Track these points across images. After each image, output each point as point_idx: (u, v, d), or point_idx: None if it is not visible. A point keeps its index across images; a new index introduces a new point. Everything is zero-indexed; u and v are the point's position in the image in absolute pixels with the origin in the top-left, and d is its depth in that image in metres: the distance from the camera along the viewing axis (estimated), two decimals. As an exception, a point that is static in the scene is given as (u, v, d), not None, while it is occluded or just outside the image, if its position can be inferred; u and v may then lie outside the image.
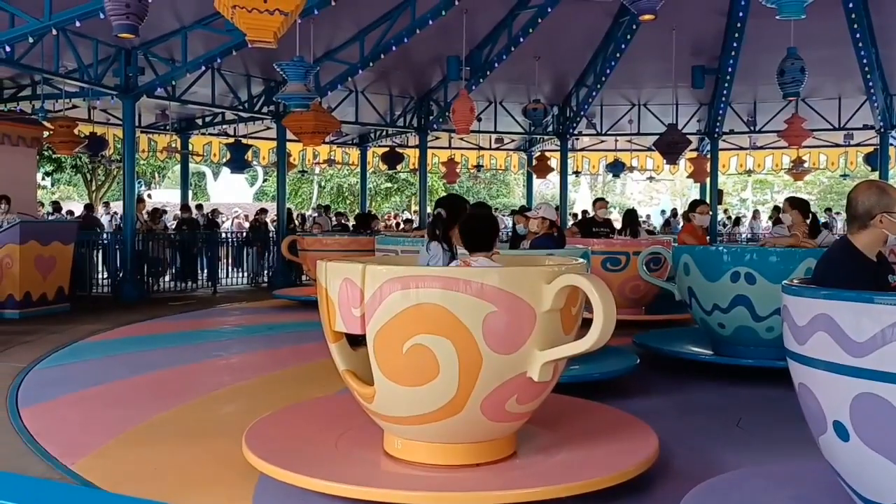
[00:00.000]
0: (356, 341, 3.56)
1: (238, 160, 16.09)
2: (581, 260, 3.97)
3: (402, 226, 20.15)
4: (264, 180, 33.27)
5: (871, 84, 14.43)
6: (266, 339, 8.03)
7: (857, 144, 17.49)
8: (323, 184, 34.75)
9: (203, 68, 12.49)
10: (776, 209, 19.15)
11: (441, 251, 4.14)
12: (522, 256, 4.91)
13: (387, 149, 18.65)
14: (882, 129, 15.62)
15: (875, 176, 16.79)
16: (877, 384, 2.20)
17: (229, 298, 11.90)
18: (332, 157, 19.79)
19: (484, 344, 3.19)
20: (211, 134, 17.27)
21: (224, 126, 16.34)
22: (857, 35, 13.13)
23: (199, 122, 16.34)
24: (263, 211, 17.82)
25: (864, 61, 13.75)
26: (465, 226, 3.92)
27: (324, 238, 11.77)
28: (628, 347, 6.48)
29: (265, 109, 14.33)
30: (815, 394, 2.45)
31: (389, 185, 33.00)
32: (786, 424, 4.22)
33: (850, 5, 12.65)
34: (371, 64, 13.14)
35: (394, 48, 12.64)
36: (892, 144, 16.25)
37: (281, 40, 9.50)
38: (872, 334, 2.20)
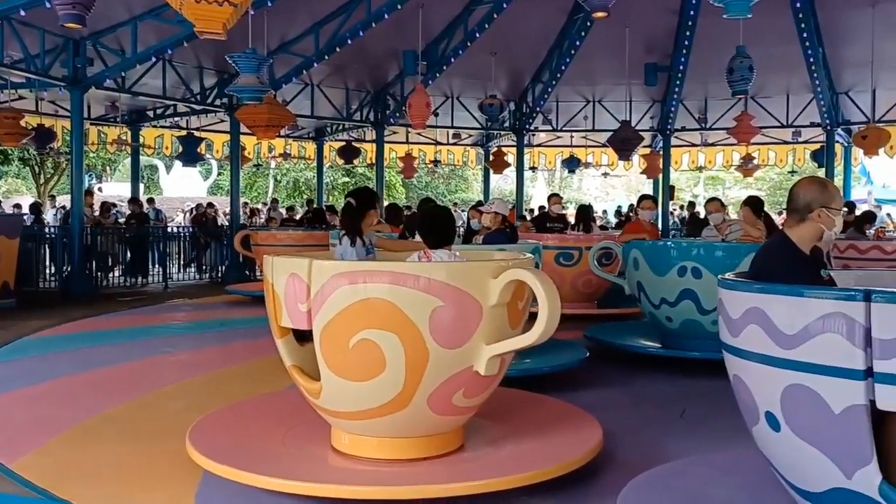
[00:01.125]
0: (303, 336, 3.55)
1: (190, 153, 15.84)
2: (529, 255, 4.00)
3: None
4: (219, 174, 32.77)
5: (817, 82, 14.80)
6: (217, 336, 7.93)
7: (805, 141, 17.93)
8: (279, 178, 34.40)
9: (154, 60, 12.26)
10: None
11: (354, 251, 4.13)
12: (474, 251, 4.93)
13: (343, 143, 18.54)
14: (828, 127, 16.04)
15: (822, 172, 17.25)
16: (806, 375, 2.27)
17: (181, 294, 11.72)
18: (288, 151, 19.59)
19: (431, 338, 3.21)
20: (163, 126, 16.97)
21: (176, 118, 16.04)
22: (804, 34, 13.45)
23: (151, 114, 16.03)
24: (210, 205, 17.53)
25: (811, 60, 14.09)
26: (424, 222, 3.94)
27: (277, 233, 11.66)
28: (579, 341, 6.56)
29: (218, 102, 14.12)
30: (748, 385, 2.52)
31: (347, 179, 32.80)
32: (729, 415, 4.27)
33: (798, 5, 12.95)
34: (326, 57, 13.04)
35: (349, 42, 12.56)
36: (838, 141, 16.71)
37: (233, 32, 9.38)
38: (802, 327, 2.26)
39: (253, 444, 3.58)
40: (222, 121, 15.77)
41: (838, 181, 17.31)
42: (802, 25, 13.30)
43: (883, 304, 2.12)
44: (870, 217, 10.87)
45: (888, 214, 20.23)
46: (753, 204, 6.90)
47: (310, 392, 3.50)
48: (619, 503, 2.90)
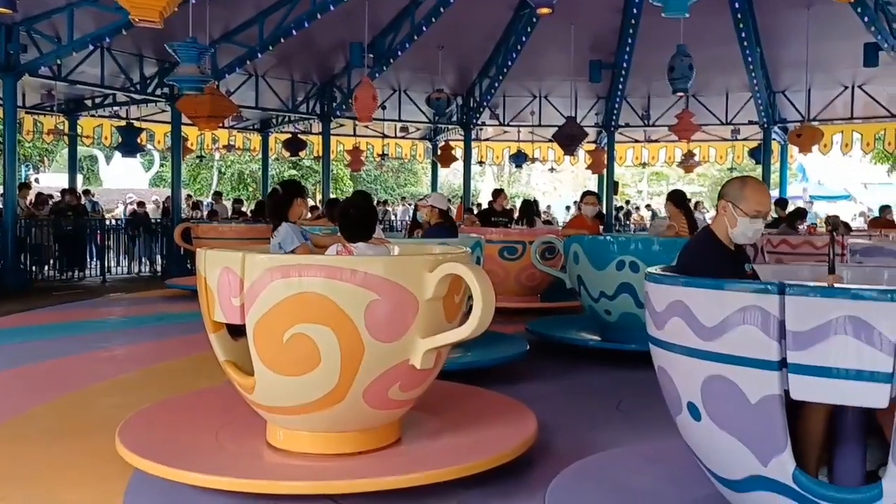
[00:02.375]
0: (238, 331, 3.51)
1: (130, 144, 15.44)
2: (465, 249, 4.03)
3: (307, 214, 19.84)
4: (161, 165, 32.05)
5: (755, 81, 15.21)
6: (155, 330, 7.78)
7: (744, 139, 18.38)
8: (223, 170, 33.81)
9: (91, 47, 11.92)
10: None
11: (291, 231, 4.11)
12: (412, 245, 4.94)
13: (289, 135, 18.32)
14: (765, 125, 16.50)
15: (759, 169, 17.74)
16: (724, 366, 2.34)
17: (119, 288, 11.45)
18: (233, 143, 19.27)
19: (366, 332, 3.20)
20: (102, 116, 16.50)
21: (116, 108, 15.63)
22: (743, 34, 13.81)
23: (89, 103, 15.58)
24: (141, 204, 17.13)
25: (749, 60, 14.48)
26: (342, 214, 3.92)
27: (219, 226, 11.47)
28: (521, 334, 6.64)
29: (159, 91, 13.80)
30: (671, 376, 2.59)
31: (294, 172, 32.42)
32: (663, 406, 4.40)
33: (736, 6, 13.29)
34: (271, 48, 12.87)
35: (294, 32, 12.41)
36: (774, 139, 17.18)
37: (174, 20, 9.18)
38: (720, 319, 2.33)
39: (185, 441, 3.52)
40: (163, 111, 15.41)
41: (775, 178, 17.85)
42: (741, 26, 13.65)
43: (796, 296, 2.21)
44: (801, 213, 11.22)
45: (815, 213, 20.94)
46: (674, 198, 7.08)
47: (243, 387, 3.47)
48: (548, 494, 2.95)
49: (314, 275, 3.20)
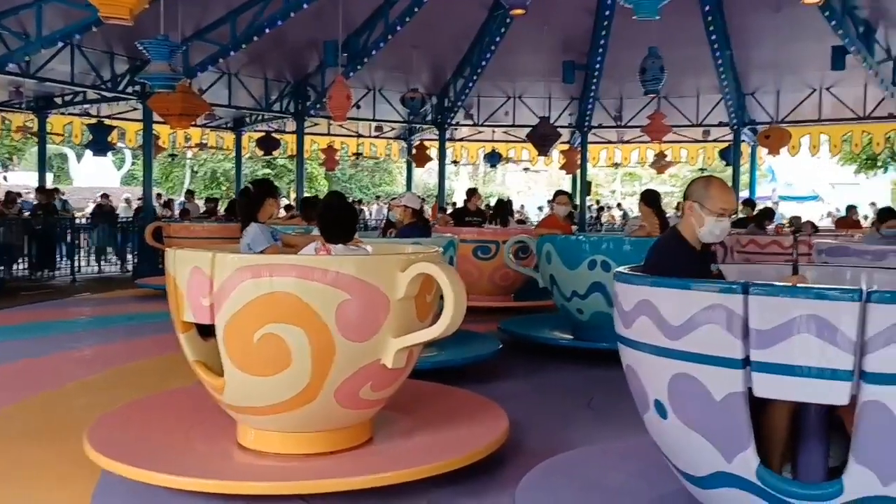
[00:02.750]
0: (208, 331, 3.49)
1: (100, 142, 15.25)
2: (437, 248, 4.04)
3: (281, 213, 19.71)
4: (133, 163, 31.66)
5: (725, 83, 15.42)
6: (125, 330, 7.69)
7: (714, 140, 18.61)
8: (196, 168, 33.48)
9: (61, 44, 11.75)
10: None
11: (260, 231, 4.09)
12: (385, 244, 4.94)
13: (263, 134, 18.20)
14: (735, 126, 16.72)
15: (729, 170, 17.97)
16: (690, 365, 2.38)
17: (89, 288, 11.30)
18: (205, 141, 19.10)
19: (337, 332, 3.20)
20: (72, 114, 16.26)
21: (86, 105, 15.41)
22: (713, 37, 13.99)
23: (59, 100, 15.35)
24: (106, 196, 16.91)
25: (720, 62, 14.67)
26: (323, 215, 3.91)
27: (191, 225, 11.36)
28: (494, 333, 6.67)
29: (130, 89, 13.64)
30: (638, 374, 2.62)
31: (268, 171, 32.19)
32: (633, 404, 4.46)
33: (707, 8, 13.46)
34: (244, 46, 12.78)
35: (267, 30, 12.34)
36: (744, 141, 17.41)
37: (145, 17, 9.09)
38: (686, 318, 2.37)
39: (154, 441, 3.49)
40: (135, 108, 15.23)
41: (745, 179, 18.08)
42: (711, 28, 13.83)
43: (759, 296, 2.25)
44: (769, 213, 11.39)
45: (782, 214, 21.24)
46: (646, 198, 7.15)
47: (214, 388, 3.45)
48: (518, 491, 2.97)
49: (285, 274, 3.19)
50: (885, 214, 7.49)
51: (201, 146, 19.42)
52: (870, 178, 28.11)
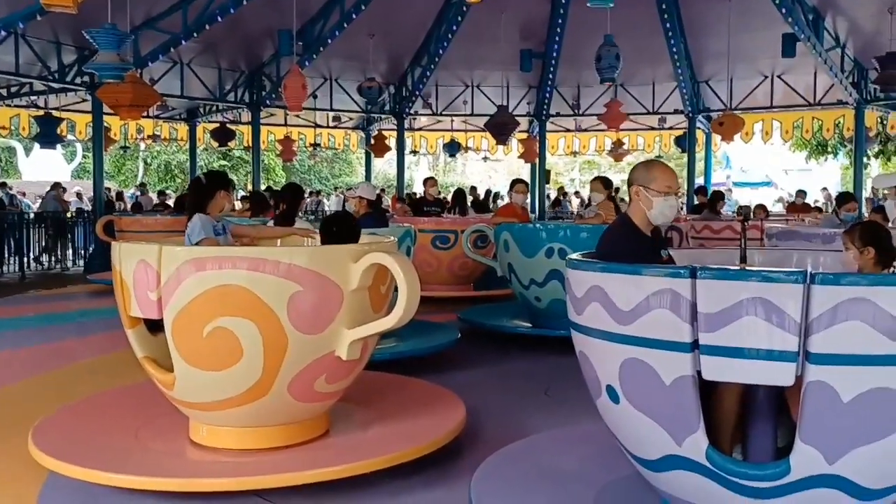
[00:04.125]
0: (157, 326, 3.41)
1: (49, 134, 14.82)
2: (391, 238, 4.01)
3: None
4: (84, 156, 30.91)
5: (680, 72, 15.59)
6: (76, 327, 7.51)
7: (670, 128, 18.83)
8: (149, 161, 32.82)
9: (4, 33, 11.37)
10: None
11: (200, 223, 3.99)
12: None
13: (217, 125, 17.90)
14: (690, 114, 16.93)
15: (685, 157, 18.20)
16: (640, 349, 2.39)
17: (39, 284, 11.02)
18: (158, 133, 18.72)
19: (289, 324, 3.16)
20: (18, 105, 15.78)
21: (33, 97, 14.98)
22: (668, 25, 14.12)
23: (4, 92, 14.88)
24: (57, 185, 16.48)
25: (674, 50, 14.82)
26: (324, 231, 3.98)
27: (143, 218, 11.14)
28: (453, 323, 6.67)
29: (78, 80, 13.27)
30: (591, 360, 2.63)
31: (224, 162, 31.71)
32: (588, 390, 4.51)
33: (662, -3, 13.58)
34: (196, 35, 12.52)
35: (219, 18, 12.11)
36: (699, 128, 17.65)
37: (93, 5, 8.86)
38: (636, 304, 2.38)
39: (103, 441, 3.41)
40: (84, 100, 14.84)
41: (701, 166, 18.35)
42: (666, 17, 13.96)
43: (707, 280, 2.26)
44: (720, 196, 11.58)
45: (736, 201, 21.70)
46: (602, 184, 7.21)
47: (164, 384, 3.38)
48: (474, 479, 2.97)
49: (235, 267, 3.13)
50: (843, 199, 7.66)
51: (154, 138, 19.02)
52: (821, 163, 28.75)
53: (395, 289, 3.32)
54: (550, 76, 16.25)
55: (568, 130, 20.12)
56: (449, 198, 13.44)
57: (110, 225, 10.29)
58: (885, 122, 17.02)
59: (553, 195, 21.82)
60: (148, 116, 15.71)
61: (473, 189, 19.84)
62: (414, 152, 21.84)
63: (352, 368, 3.50)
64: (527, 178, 18.62)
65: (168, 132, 18.90)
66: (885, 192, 18.12)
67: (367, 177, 20.73)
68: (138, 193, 18.39)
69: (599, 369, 2.58)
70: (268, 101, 16.20)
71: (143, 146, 25.01)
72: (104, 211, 13.00)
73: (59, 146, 19.83)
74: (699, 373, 2.31)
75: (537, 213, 17.68)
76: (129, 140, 19.39)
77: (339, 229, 4.14)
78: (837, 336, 2.14)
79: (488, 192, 21.69)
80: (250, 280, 3.11)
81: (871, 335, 2.12)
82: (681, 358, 2.30)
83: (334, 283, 3.23)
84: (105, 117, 13.79)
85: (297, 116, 17.70)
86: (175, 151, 29.92)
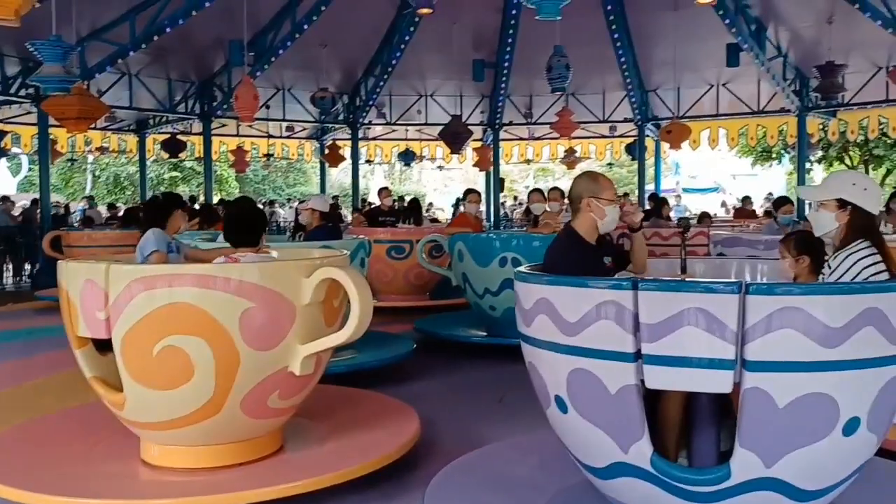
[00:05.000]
0: (107, 345, 3.37)
1: (-8, 148, 14.46)
2: (344, 252, 4.02)
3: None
4: (29, 169, 30.14)
5: (629, 81, 15.88)
6: (23, 346, 7.33)
7: (620, 136, 19.14)
8: (97, 173, 32.14)
9: (-57, 45, 11.09)
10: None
11: (153, 237, 3.96)
12: (291, 249, 4.87)
13: (168, 136, 17.63)
14: (639, 122, 17.25)
15: (635, 165, 18.52)
16: (586, 360, 2.46)
17: (-17, 302, 10.70)
18: (106, 145, 18.36)
19: (241, 341, 3.15)
20: (-39, 119, 15.38)
21: (-25, 110, 14.60)
22: (616, 35, 14.38)
23: (-55, 104, 14.47)
24: (6, 198, 16.06)
25: (623, 60, 15.09)
26: (228, 220, 3.83)
27: (92, 233, 10.92)
28: (409, 333, 6.69)
29: (23, 92, 12.97)
30: (539, 371, 2.69)
31: (175, 173, 31.23)
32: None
33: (609, 7, 13.83)
34: (144, 45, 12.33)
35: (168, 29, 11.95)
36: (648, 136, 17.98)
37: (37, 16, 8.67)
38: (582, 315, 2.44)
39: (51, 464, 3.35)
40: (29, 112, 14.50)
41: (651, 173, 18.69)
42: (613, 27, 14.21)
43: (648, 291, 2.34)
44: (664, 201, 11.85)
45: (685, 207, 22.15)
46: (558, 193, 7.31)
47: (113, 404, 3.33)
48: (428, 490, 3.00)
49: (184, 284, 3.11)
50: (779, 203, 7.90)
51: (102, 150, 18.65)
52: (766, 169, 29.51)
53: (349, 302, 3.34)
54: (503, 86, 16.40)
55: (521, 139, 20.32)
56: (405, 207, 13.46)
57: (57, 240, 10.06)
58: (826, 129, 17.56)
59: (509, 203, 22.01)
60: (96, 128, 15.41)
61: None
62: (369, 161, 21.81)
63: (305, 383, 3.50)
64: (482, 186, 18.86)
65: (117, 144, 18.55)
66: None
67: (322, 187, 20.64)
68: (87, 207, 17.98)
69: (548, 379, 2.64)
70: (219, 112, 16.03)
71: (90, 158, 24.45)
72: (54, 225, 12.71)
73: (3, 159, 19.33)
74: (643, 381, 2.38)
75: (492, 221, 17.81)
76: (76, 152, 18.98)
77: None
78: (772, 344, 2.23)
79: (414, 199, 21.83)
80: (200, 297, 3.10)
81: (803, 342, 2.22)
82: (625, 367, 2.37)
83: (286, 298, 3.23)
84: (51, 129, 13.50)
85: (250, 127, 17.55)
86: (124, 163, 29.38)
